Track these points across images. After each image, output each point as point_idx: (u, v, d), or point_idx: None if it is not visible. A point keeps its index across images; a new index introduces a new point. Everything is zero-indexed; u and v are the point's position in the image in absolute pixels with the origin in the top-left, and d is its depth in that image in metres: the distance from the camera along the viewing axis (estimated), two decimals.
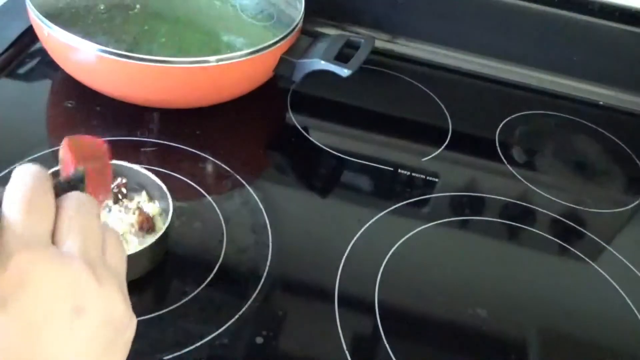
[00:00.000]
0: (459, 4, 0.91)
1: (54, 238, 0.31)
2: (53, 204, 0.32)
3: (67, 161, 0.36)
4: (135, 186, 0.61)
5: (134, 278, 0.55)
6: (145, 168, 0.61)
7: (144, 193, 0.61)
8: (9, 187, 0.31)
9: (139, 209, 0.59)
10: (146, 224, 0.57)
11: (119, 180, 0.60)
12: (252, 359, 0.53)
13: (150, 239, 0.55)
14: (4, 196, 0.31)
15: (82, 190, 0.35)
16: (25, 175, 0.32)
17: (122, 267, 0.34)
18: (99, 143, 0.39)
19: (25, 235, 0.30)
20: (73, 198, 0.33)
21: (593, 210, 0.75)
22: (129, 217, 0.58)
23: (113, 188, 0.59)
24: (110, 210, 0.59)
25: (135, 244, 0.57)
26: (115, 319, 0.31)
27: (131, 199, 0.60)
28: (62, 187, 0.34)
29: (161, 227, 0.58)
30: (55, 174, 0.35)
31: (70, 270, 0.30)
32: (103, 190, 0.37)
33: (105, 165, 0.38)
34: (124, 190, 0.60)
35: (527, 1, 0.89)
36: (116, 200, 0.60)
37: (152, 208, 0.60)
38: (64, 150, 0.36)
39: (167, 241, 0.59)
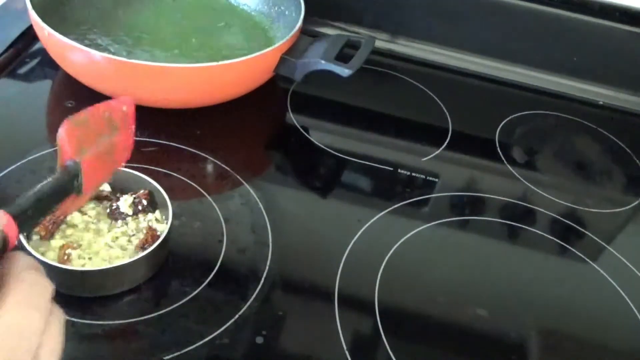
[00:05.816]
0: (459, 4, 0.91)
1: None
2: None
3: (64, 150, 0.32)
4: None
5: (132, 286, 0.55)
6: (146, 169, 0.61)
7: (157, 212, 0.59)
8: None
9: (149, 227, 0.57)
10: (150, 242, 0.56)
11: (141, 191, 0.59)
12: (252, 359, 0.53)
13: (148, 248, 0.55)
14: None
15: (79, 184, 0.32)
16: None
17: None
18: (116, 108, 0.32)
19: None
20: (28, 279, 0.29)
21: (593, 210, 0.75)
22: (136, 235, 0.57)
23: (135, 198, 0.58)
24: (126, 222, 0.58)
25: (131, 252, 0.56)
26: None
27: (145, 215, 0.59)
28: (59, 179, 0.30)
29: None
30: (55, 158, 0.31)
31: None
32: (106, 177, 0.32)
33: (124, 134, 0.32)
34: (144, 201, 0.58)
35: (527, 1, 0.89)
36: (135, 212, 0.58)
37: (161, 227, 0.58)
38: (61, 137, 0.31)
39: (167, 248, 0.58)
